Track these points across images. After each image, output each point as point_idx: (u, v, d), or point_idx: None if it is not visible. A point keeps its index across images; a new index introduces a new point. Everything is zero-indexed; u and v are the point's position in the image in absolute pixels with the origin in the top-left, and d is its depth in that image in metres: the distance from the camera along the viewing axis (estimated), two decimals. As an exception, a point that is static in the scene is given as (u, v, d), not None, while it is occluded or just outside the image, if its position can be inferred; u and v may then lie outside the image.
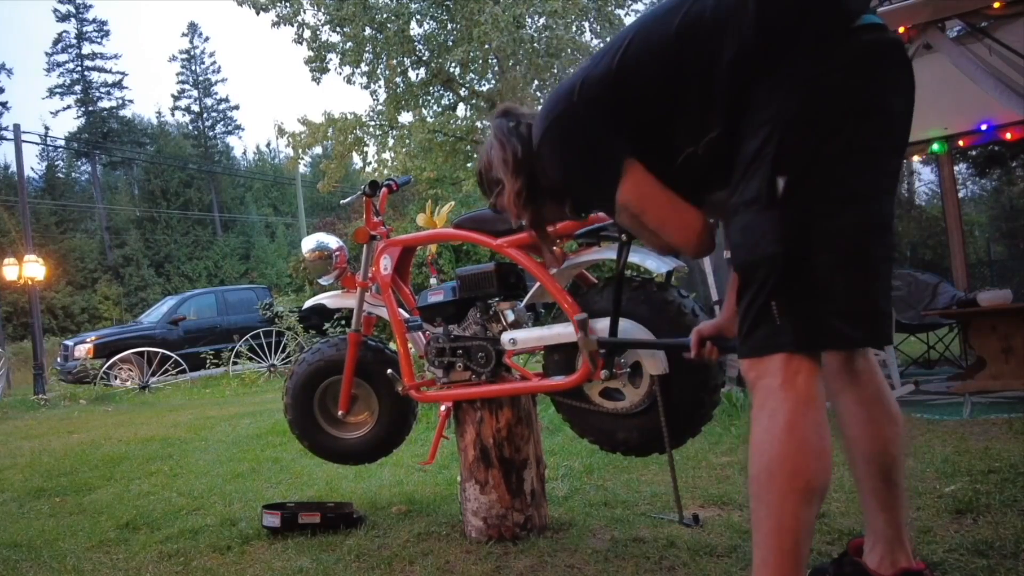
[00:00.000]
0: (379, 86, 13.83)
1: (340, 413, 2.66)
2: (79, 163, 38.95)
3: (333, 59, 13.55)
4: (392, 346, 2.64)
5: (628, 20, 14.06)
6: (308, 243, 2.73)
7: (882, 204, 1.31)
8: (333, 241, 2.72)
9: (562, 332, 2.13)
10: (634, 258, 1.95)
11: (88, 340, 12.00)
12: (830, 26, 1.26)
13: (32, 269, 12.61)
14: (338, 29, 13.23)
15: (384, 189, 2.60)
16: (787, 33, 1.26)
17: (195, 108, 40.31)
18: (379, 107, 14.09)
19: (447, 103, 14.82)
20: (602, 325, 2.02)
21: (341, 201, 3.29)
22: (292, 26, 13.17)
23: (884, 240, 1.32)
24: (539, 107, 1.66)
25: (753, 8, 1.27)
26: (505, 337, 2.25)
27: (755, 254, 1.28)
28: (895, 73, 1.31)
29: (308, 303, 2.89)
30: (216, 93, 40.80)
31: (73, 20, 36.77)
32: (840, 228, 1.25)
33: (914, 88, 1.35)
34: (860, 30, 1.27)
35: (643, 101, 1.42)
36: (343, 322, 9.60)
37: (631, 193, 1.45)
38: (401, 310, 2.52)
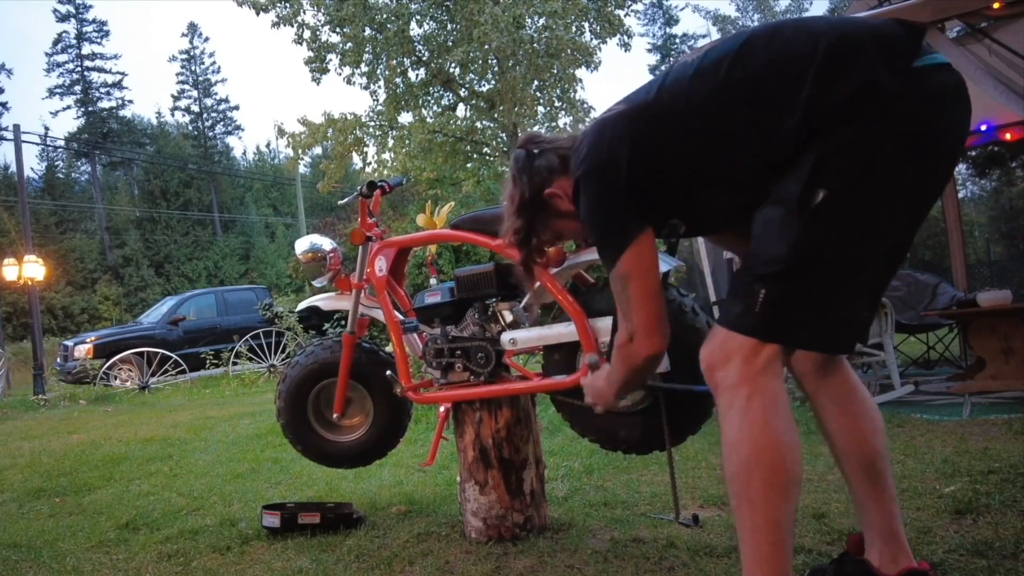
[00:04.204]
0: (379, 86, 13.81)
1: (335, 416, 2.64)
2: (79, 163, 38.96)
3: (333, 59, 13.53)
4: (388, 348, 2.63)
5: (628, 20, 14.03)
6: (301, 244, 2.72)
7: (902, 239, 1.37)
8: (327, 243, 2.70)
9: (563, 332, 2.13)
10: None
11: (88, 340, 11.98)
12: (894, 67, 1.25)
13: (32, 269, 12.58)
14: (338, 30, 13.21)
15: (377, 191, 2.59)
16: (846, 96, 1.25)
17: (195, 108, 40.27)
18: (379, 107, 14.06)
19: (447, 103, 14.78)
20: (603, 324, 2.02)
21: (339, 202, 3.30)
22: (292, 26, 13.14)
23: (889, 270, 1.40)
24: (584, 125, 1.68)
25: (812, 82, 1.25)
26: (505, 337, 2.25)
27: (767, 249, 1.32)
28: (959, 115, 1.31)
29: (301, 305, 2.87)
30: (216, 93, 40.80)
31: (73, 20, 36.79)
32: (851, 255, 1.30)
33: (968, 127, 1.35)
34: (928, 70, 1.27)
35: (673, 164, 1.43)
36: (343, 323, 9.58)
37: (630, 263, 1.47)
38: (396, 312, 2.51)
